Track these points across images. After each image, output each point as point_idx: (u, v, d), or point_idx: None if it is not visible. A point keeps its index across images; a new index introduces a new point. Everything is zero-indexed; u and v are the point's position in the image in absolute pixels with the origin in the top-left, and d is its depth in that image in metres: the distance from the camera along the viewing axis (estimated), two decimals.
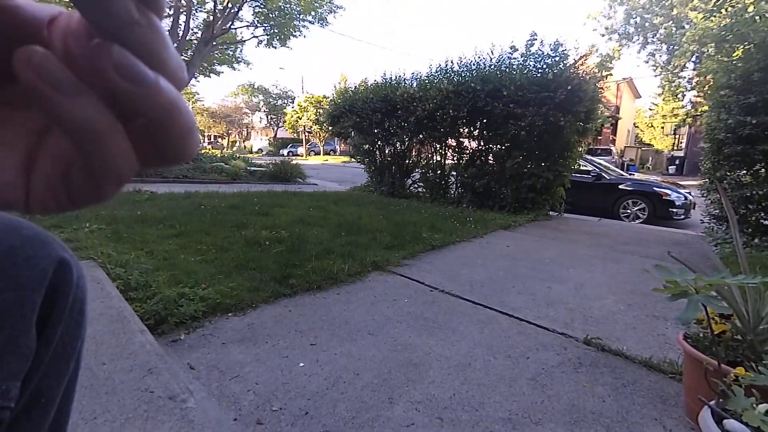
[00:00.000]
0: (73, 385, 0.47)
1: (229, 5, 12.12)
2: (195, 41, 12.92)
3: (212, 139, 43.87)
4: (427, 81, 6.47)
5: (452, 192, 6.62)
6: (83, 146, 0.15)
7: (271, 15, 13.50)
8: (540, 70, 5.47)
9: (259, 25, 13.96)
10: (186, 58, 12.07)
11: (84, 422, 1.07)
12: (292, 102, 37.29)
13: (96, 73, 0.14)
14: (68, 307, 0.43)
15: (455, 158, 6.52)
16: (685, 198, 6.36)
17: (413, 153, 7.14)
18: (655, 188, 6.45)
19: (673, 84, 21.35)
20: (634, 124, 30.71)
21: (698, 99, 18.34)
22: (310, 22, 14.05)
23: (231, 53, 15.60)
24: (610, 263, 3.32)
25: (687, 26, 18.94)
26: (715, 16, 15.32)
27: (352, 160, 9.65)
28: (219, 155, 10.95)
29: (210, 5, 12.34)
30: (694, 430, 1.28)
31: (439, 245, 3.54)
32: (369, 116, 7.06)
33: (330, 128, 8.43)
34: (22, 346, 0.38)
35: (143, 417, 1.11)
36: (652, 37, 21.42)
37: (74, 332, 0.45)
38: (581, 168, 6.49)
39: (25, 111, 0.18)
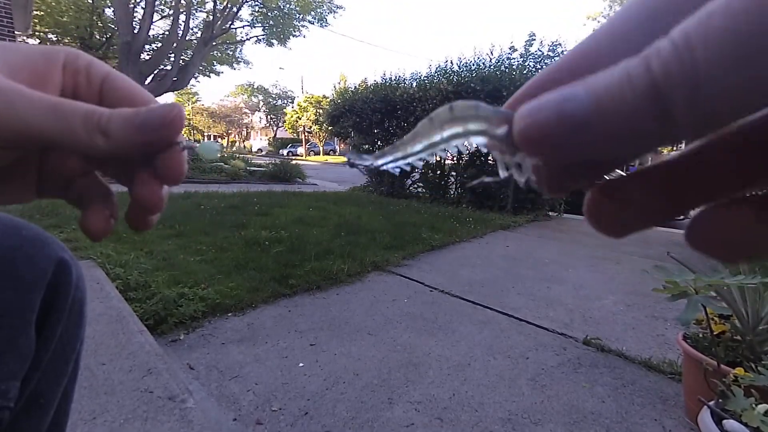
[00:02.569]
0: (73, 386, 0.47)
1: (229, 5, 12.11)
2: (195, 41, 12.93)
3: (212, 139, 43.91)
4: (426, 81, 6.47)
5: (452, 192, 6.62)
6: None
7: (269, 15, 13.51)
8: (539, 71, 5.48)
9: (257, 24, 13.97)
10: (186, 58, 12.07)
11: (83, 422, 1.07)
12: (292, 102, 37.31)
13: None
14: (67, 307, 0.43)
15: (455, 158, 6.52)
16: None
17: None
18: None
19: None
20: None
21: None
22: (309, 22, 14.06)
23: (230, 53, 15.61)
24: (609, 263, 3.32)
25: None
26: None
27: None
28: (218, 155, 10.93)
29: (209, 5, 12.35)
30: (694, 431, 1.28)
31: (438, 245, 3.54)
32: (369, 116, 7.06)
33: (330, 128, 8.43)
34: (21, 346, 0.38)
35: (142, 417, 1.11)
36: None
37: (73, 332, 0.45)
38: None
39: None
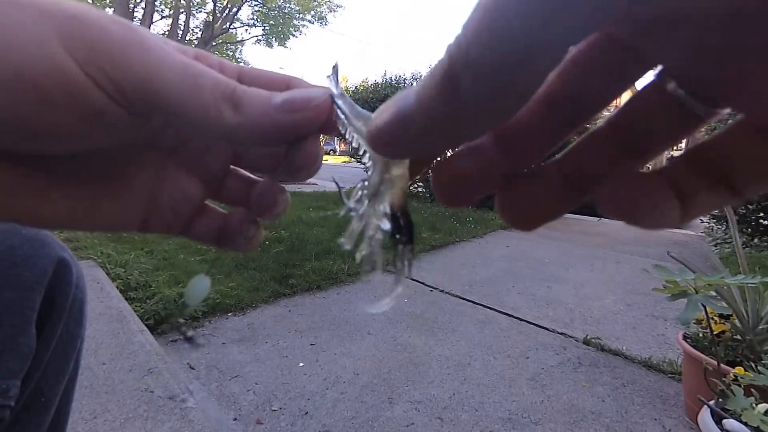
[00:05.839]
0: (73, 385, 0.47)
1: (229, 5, 12.13)
2: (195, 41, 12.94)
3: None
4: None
5: None
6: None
7: (270, 14, 13.51)
8: None
9: (257, 24, 13.97)
10: None
11: (84, 422, 1.07)
12: None
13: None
14: (68, 306, 0.43)
15: None
16: None
17: None
18: None
19: None
20: None
21: None
22: (309, 21, 14.06)
23: (230, 53, 15.62)
24: (609, 263, 3.32)
25: None
26: None
27: (352, 159, 9.66)
28: None
29: (210, 6, 12.36)
30: (694, 430, 1.28)
31: (438, 245, 3.54)
32: None
33: None
34: (21, 345, 0.38)
35: (143, 417, 1.11)
36: None
37: (74, 332, 0.45)
38: None
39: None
